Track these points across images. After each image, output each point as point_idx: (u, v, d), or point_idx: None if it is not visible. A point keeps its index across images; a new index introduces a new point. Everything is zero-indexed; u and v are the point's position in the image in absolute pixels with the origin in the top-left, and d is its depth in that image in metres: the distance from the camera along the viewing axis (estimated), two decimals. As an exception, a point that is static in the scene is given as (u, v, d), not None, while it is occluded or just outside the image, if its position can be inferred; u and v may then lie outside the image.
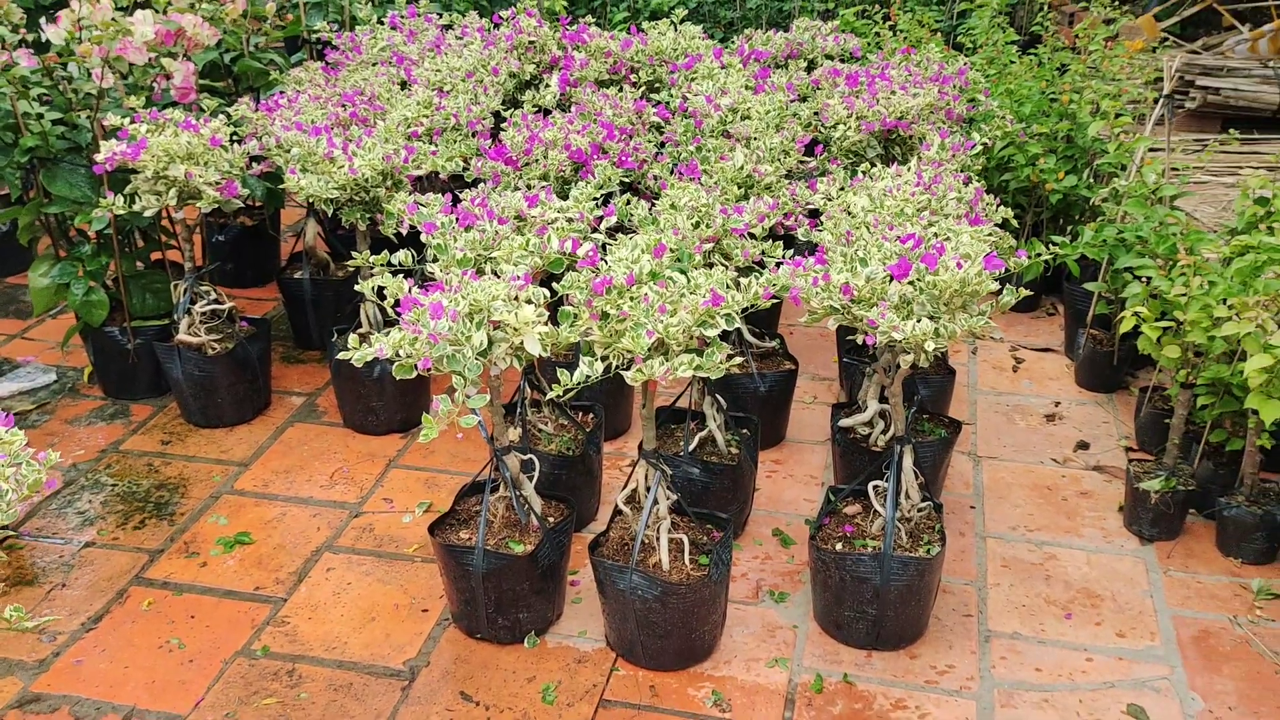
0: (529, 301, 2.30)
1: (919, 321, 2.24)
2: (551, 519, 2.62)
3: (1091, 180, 4.08)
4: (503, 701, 2.42)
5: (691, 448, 2.90)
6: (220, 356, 3.38)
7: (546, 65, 4.26)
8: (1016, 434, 3.49)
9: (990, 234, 2.71)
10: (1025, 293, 2.50)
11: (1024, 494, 3.18)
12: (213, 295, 3.44)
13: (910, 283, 2.31)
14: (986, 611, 2.71)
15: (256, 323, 3.57)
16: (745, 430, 3.00)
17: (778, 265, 2.46)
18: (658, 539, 2.48)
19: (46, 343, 4.01)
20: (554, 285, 2.39)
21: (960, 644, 2.60)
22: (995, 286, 2.33)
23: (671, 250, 2.42)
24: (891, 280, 2.32)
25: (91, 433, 3.45)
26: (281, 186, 3.28)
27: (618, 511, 2.61)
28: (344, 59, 4.22)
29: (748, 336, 3.34)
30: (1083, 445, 3.43)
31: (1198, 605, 2.74)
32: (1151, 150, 3.85)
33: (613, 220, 2.67)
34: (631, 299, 2.26)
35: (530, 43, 4.23)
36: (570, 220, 2.69)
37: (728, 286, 2.30)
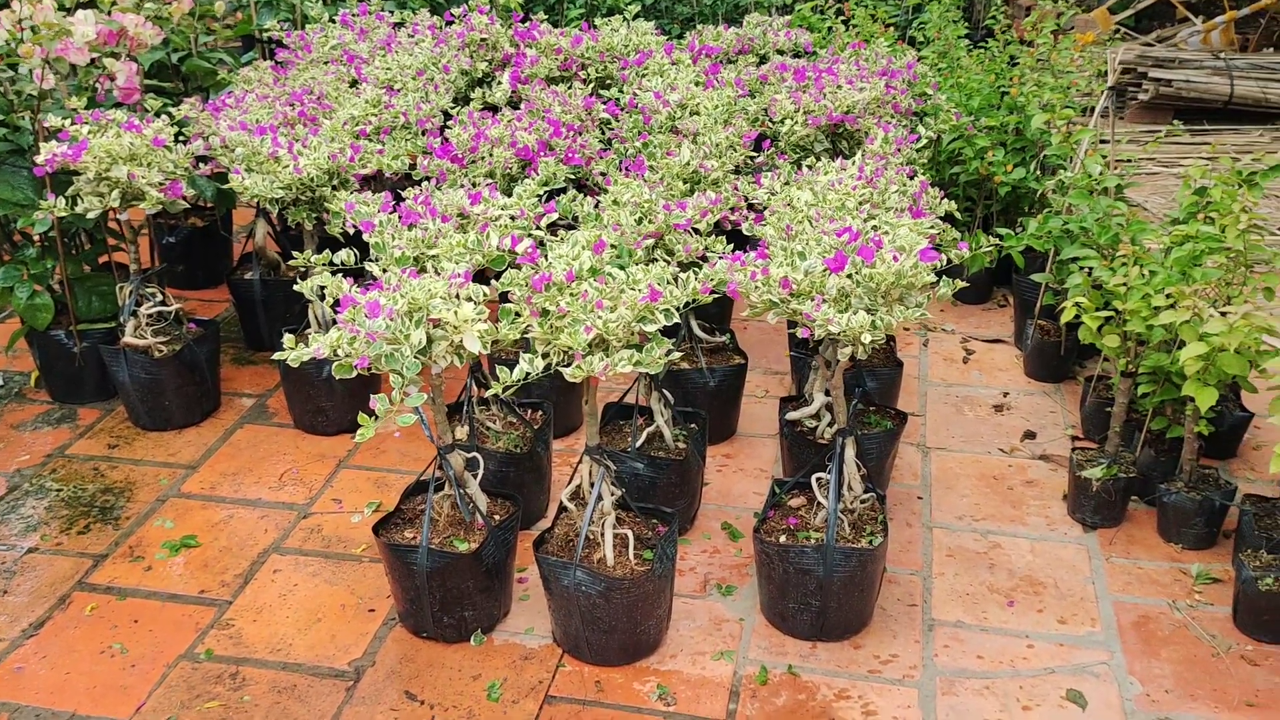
0: (469, 299, 2.30)
1: (855, 314, 2.26)
2: (497, 516, 2.63)
3: (1039, 172, 4.11)
4: (448, 700, 2.42)
5: (639, 443, 2.90)
6: (167, 359, 3.35)
7: (499, 63, 4.25)
8: (965, 424, 3.53)
9: (932, 226, 2.74)
10: (961, 284, 2.53)
11: (971, 484, 3.21)
12: (159, 297, 3.41)
13: (848, 276, 2.33)
14: (931, 601, 2.74)
15: (205, 324, 3.55)
16: (693, 425, 3.01)
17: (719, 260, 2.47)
18: (602, 535, 2.49)
19: (-7, 347, 3.98)
20: (493, 282, 2.39)
21: (904, 633, 2.63)
22: (932, 278, 2.35)
23: (612, 246, 2.42)
24: (829, 274, 2.33)
25: (37, 437, 3.42)
26: (227, 186, 3.26)
27: (563, 508, 2.61)
28: (294, 58, 4.19)
29: (697, 332, 3.35)
30: (1030, 435, 3.47)
31: (1138, 591, 2.77)
32: (1104, 142, 3.90)
33: (554, 216, 2.67)
34: (571, 295, 2.26)
35: (482, 40, 4.22)
36: (514, 218, 2.69)
37: (667, 282, 2.31)
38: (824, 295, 2.32)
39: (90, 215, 3.15)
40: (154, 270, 3.46)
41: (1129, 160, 5.31)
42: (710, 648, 2.58)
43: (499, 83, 3.91)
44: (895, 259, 2.29)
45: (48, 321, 3.41)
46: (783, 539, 2.59)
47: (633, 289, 2.26)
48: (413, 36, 4.26)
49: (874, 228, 2.54)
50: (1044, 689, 2.46)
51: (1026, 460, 3.34)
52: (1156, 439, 3.11)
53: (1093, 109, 4.35)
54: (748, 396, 3.58)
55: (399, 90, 3.73)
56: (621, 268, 2.35)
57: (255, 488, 3.17)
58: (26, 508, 3.07)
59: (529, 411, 3.11)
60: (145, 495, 3.13)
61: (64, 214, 3.11)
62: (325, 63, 4.13)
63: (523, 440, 2.97)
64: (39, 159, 3.03)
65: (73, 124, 3.11)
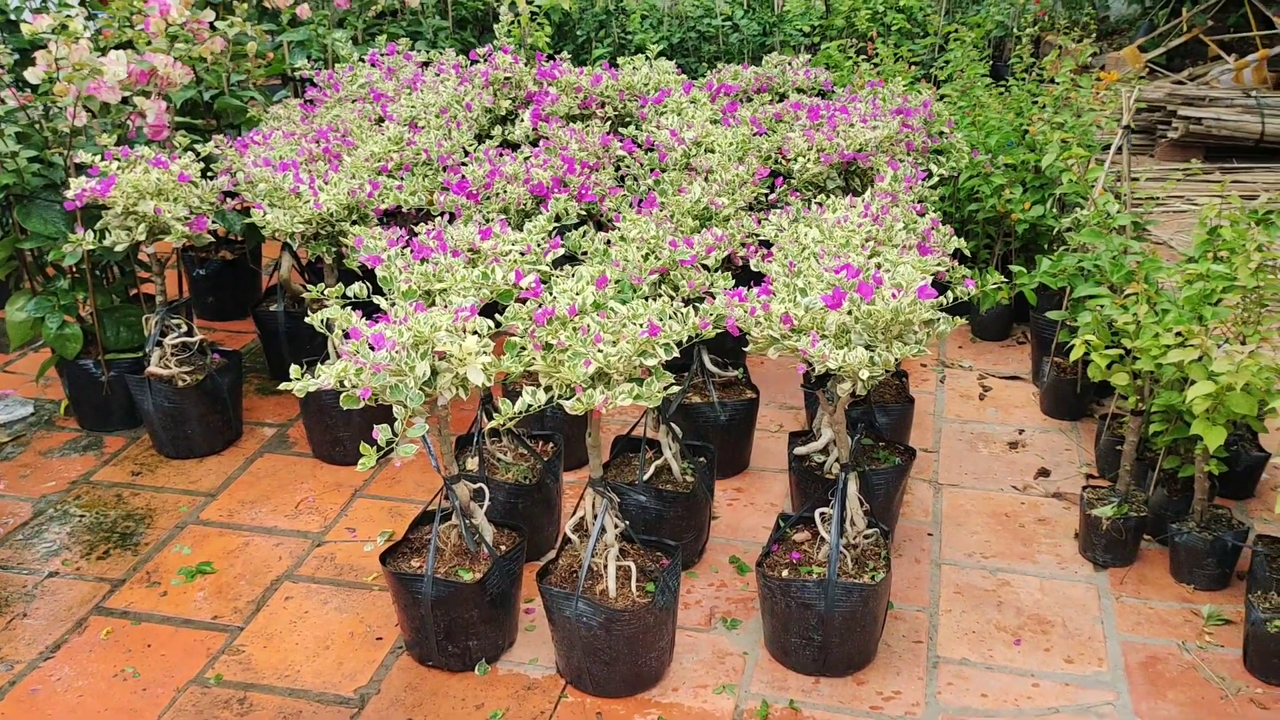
0: (474, 332, 2.34)
1: (853, 350, 2.27)
2: (503, 547, 2.66)
3: (1057, 210, 4.12)
4: (450, 728, 2.44)
5: (647, 476, 2.93)
6: (190, 388, 3.43)
7: (522, 101, 4.33)
8: (979, 461, 3.52)
9: (939, 264, 2.75)
10: (960, 321, 2.53)
11: (982, 521, 3.20)
12: (183, 328, 3.49)
13: (848, 313, 2.35)
14: (936, 638, 2.73)
15: (228, 355, 3.63)
16: (702, 459, 3.03)
17: (722, 296, 2.50)
18: (605, 566, 2.51)
19: (27, 375, 4.08)
20: (497, 316, 2.43)
21: (908, 670, 2.62)
22: (929, 315, 2.37)
23: (615, 282, 2.46)
24: (829, 310, 2.36)
25: (64, 464, 3.50)
26: (249, 220, 3.34)
27: (567, 540, 2.64)
28: (322, 96, 4.30)
29: (709, 366, 3.38)
30: (1044, 473, 3.45)
31: (1148, 631, 2.75)
32: (1134, 179, 3.89)
33: (560, 252, 2.72)
34: (572, 330, 2.30)
35: (506, 79, 4.31)
36: (522, 253, 2.74)
37: (668, 317, 2.35)
38: (823, 332, 2.34)
39: (118, 248, 3.24)
40: (179, 302, 3.55)
41: (1153, 198, 5.29)
42: (713, 681, 2.58)
43: (521, 120, 3.98)
44: (894, 296, 2.31)
45: (77, 351, 3.51)
46: (785, 573, 2.59)
47: (634, 324, 2.30)
48: (438, 75, 4.35)
49: (877, 265, 2.57)
50: (1047, 728, 2.45)
51: (1039, 498, 3.32)
52: (1169, 478, 3.09)
53: (1108, 147, 4.36)
54: (761, 431, 3.60)
55: (422, 128, 3.81)
56: (624, 303, 2.38)
57: (272, 516, 3.23)
58: (50, 533, 3.14)
59: (540, 443, 3.14)
60: (165, 522, 3.19)
61: (93, 247, 3.21)
62: (352, 101, 4.23)
63: (532, 472, 3.00)
64: (69, 193, 3.13)
65: (102, 160, 3.21)
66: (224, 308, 4.54)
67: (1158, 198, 5.33)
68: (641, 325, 2.27)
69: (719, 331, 2.50)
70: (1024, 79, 4.72)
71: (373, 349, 2.24)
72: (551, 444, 3.14)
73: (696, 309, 2.45)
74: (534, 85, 4.34)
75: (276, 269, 4.00)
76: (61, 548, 3.07)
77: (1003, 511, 3.25)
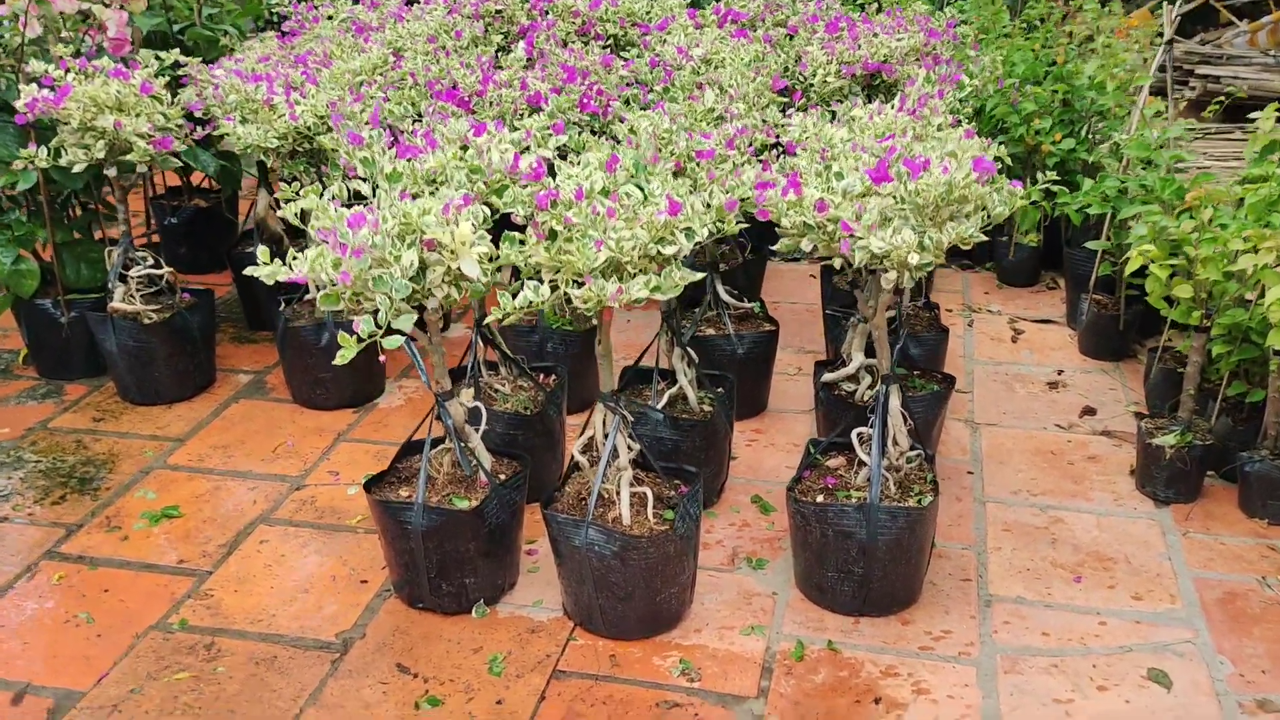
0: (468, 220, 2.06)
1: (900, 232, 2.00)
2: (502, 475, 2.37)
3: (1090, 140, 3.85)
4: (444, 673, 2.15)
5: (661, 405, 2.64)
6: (157, 326, 3.13)
7: (515, 35, 4.05)
8: (1017, 401, 3.24)
9: (984, 148, 2.47)
10: (1022, 200, 2.23)
11: (1025, 459, 2.92)
12: (149, 261, 3.20)
13: (891, 195, 2.08)
14: (987, 576, 2.45)
15: (199, 293, 3.33)
16: (720, 388, 2.74)
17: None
18: (618, 491, 2.22)
19: (-17, 326, 3.78)
20: (493, 199, 2.15)
21: (958, 609, 2.34)
22: (984, 196, 2.09)
23: (626, 169, 2.18)
24: (869, 196, 2.08)
25: (20, 411, 3.20)
26: (219, 132, 3.05)
27: (575, 466, 2.35)
28: (300, 28, 4.02)
29: (724, 297, 3.09)
30: (1089, 411, 3.17)
31: (1222, 567, 2.47)
32: (1158, 115, 3.62)
33: (563, 139, 2.43)
34: (580, 211, 2.02)
35: (498, 12, 4.03)
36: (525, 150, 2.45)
37: (688, 192, 2.06)
38: (864, 208, 2.06)
39: (76, 169, 2.94)
40: (147, 234, 3.25)
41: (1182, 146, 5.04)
42: (739, 622, 2.30)
43: (513, 51, 3.70)
44: (944, 170, 2.04)
45: (33, 289, 3.21)
46: (820, 498, 2.31)
47: (650, 205, 2.01)
48: (425, 6, 4.07)
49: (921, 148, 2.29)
50: (1121, 668, 2.16)
51: (1087, 436, 3.04)
52: (1233, 406, 2.81)
53: (1139, 88, 4.10)
54: (779, 374, 3.32)
55: (406, 55, 3.53)
56: (639, 187, 2.10)
57: (246, 460, 2.93)
58: (0, 478, 2.85)
59: (542, 376, 2.86)
60: (128, 467, 2.89)
61: (45, 165, 2.91)
62: (333, 33, 3.95)
63: (533, 402, 2.71)
64: (19, 104, 2.83)
65: (56, 69, 2.92)
66: (198, 259, 4.23)
67: (1182, 154, 5.08)
68: (660, 205, 1.98)
69: (743, 226, 2.22)
70: (1051, 8, 4.47)
71: (351, 229, 1.95)
72: (555, 375, 2.85)
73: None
74: (526, 19, 4.07)
75: (250, 209, 3.71)
76: (13, 493, 2.77)
77: (1048, 449, 2.97)
